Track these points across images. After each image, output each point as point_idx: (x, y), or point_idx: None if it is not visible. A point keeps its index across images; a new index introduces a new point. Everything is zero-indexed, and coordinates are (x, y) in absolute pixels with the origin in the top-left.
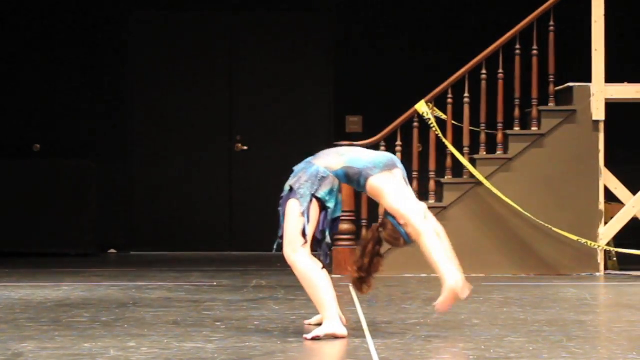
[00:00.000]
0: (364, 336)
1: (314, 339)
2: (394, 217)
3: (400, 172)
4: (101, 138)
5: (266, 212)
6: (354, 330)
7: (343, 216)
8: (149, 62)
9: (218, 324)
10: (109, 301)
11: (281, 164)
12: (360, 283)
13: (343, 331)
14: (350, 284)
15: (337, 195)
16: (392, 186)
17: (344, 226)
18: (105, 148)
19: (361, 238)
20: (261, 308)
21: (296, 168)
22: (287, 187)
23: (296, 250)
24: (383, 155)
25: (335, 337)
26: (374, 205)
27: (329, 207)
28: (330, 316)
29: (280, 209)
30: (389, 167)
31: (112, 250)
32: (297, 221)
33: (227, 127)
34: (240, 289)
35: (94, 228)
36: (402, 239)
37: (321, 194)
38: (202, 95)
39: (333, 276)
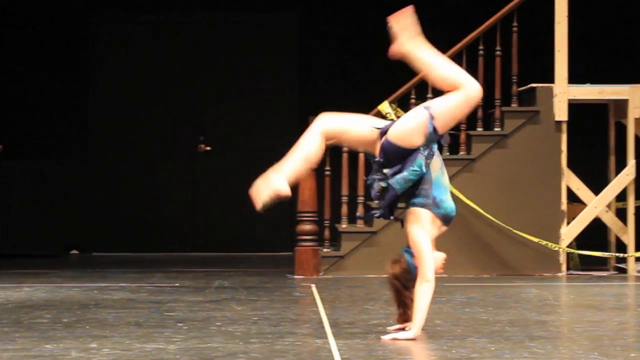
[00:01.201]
0: (326, 337)
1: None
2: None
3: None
4: (63, 138)
5: (229, 212)
6: (316, 330)
7: (305, 216)
8: (111, 62)
9: (180, 324)
10: (70, 302)
11: (244, 164)
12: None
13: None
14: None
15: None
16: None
17: (306, 227)
18: (67, 149)
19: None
20: (223, 309)
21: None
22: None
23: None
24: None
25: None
26: (336, 205)
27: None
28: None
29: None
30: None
31: (74, 251)
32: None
33: (191, 127)
34: (203, 290)
35: (55, 229)
36: (413, 281)
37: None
38: (165, 96)
39: (295, 277)
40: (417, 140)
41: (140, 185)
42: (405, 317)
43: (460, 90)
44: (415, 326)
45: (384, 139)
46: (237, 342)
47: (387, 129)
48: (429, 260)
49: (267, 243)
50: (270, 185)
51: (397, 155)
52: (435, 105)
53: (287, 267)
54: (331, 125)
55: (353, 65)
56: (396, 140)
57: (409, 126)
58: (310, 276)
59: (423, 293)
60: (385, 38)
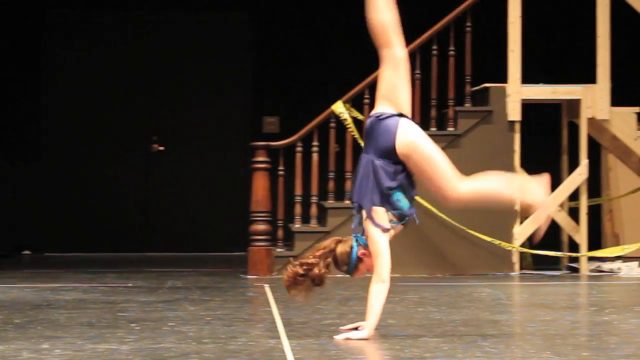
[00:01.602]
0: (279, 337)
1: None
2: (362, 240)
3: None
4: (16, 138)
5: (182, 212)
6: (269, 330)
7: (258, 216)
8: (66, 61)
9: (133, 325)
10: (22, 303)
11: (198, 164)
12: (295, 283)
13: None
14: (284, 280)
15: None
16: None
17: (260, 227)
18: (20, 148)
19: (320, 243)
20: (176, 309)
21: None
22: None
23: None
24: None
25: None
26: (290, 205)
27: None
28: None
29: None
30: None
31: (26, 252)
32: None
33: (144, 127)
34: (156, 290)
35: (7, 229)
36: (347, 266)
37: None
38: (118, 95)
39: (248, 277)
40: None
41: (93, 185)
42: (296, 283)
43: None
44: (369, 326)
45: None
46: (190, 343)
47: None
48: (386, 261)
49: (220, 243)
50: None
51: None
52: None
53: (240, 267)
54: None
55: (307, 66)
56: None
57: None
58: (263, 276)
59: (378, 293)
60: (339, 38)
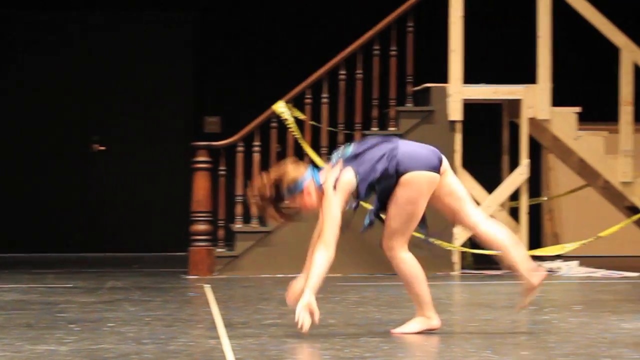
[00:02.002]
0: (219, 337)
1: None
2: (317, 180)
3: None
4: None
5: (123, 212)
6: (210, 331)
7: (199, 216)
8: (3, 61)
9: (72, 326)
10: None
11: (138, 164)
12: (261, 210)
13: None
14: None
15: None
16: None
17: (200, 227)
18: None
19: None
20: (116, 309)
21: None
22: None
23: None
24: None
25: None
26: (231, 205)
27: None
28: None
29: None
30: None
31: None
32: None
33: (84, 127)
34: (95, 291)
35: None
36: (288, 190)
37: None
38: (58, 95)
39: (189, 277)
40: None
41: (32, 185)
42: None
43: None
44: (307, 289)
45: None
46: (130, 343)
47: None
48: (334, 223)
49: (161, 243)
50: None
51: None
52: None
53: (181, 268)
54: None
55: (249, 65)
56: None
57: None
58: (204, 276)
59: (319, 259)
60: (281, 38)
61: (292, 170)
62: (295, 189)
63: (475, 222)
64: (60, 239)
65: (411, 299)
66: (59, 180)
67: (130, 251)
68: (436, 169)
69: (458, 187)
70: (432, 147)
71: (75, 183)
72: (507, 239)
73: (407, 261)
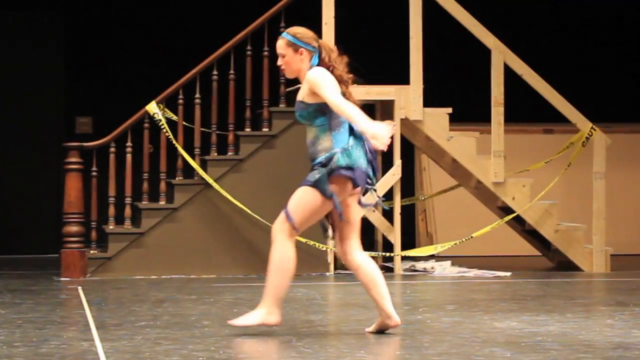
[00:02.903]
0: (92, 339)
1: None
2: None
3: None
4: None
5: None
6: (83, 333)
7: (71, 218)
8: None
9: None
10: None
11: (9, 165)
12: None
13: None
14: None
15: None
16: None
17: (73, 228)
18: None
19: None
20: None
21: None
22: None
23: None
24: None
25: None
26: (104, 205)
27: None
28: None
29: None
30: None
31: None
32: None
33: None
34: None
35: None
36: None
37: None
38: None
39: (62, 279)
40: None
41: None
42: None
43: None
44: (360, 120)
45: None
46: (1, 346)
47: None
48: (343, 102)
49: (32, 245)
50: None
51: None
52: None
53: (53, 270)
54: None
55: (120, 65)
56: None
57: None
58: (77, 278)
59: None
60: (154, 38)
61: (310, 36)
62: (297, 42)
63: (353, 249)
64: None
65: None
66: None
67: (1, 253)
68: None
69: (357, 214)
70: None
71: None
72: (377, 274)
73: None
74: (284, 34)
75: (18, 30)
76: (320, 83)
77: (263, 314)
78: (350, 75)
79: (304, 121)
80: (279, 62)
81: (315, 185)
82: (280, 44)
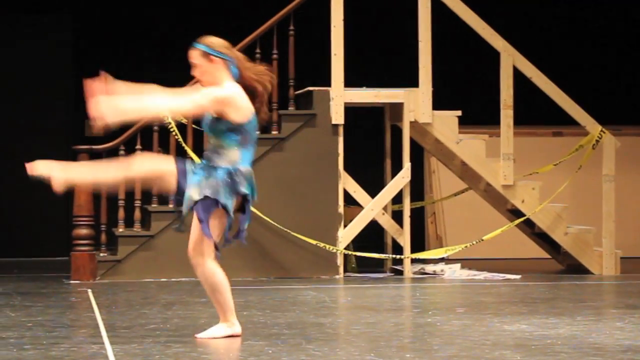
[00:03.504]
0: (102, 342)
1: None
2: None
3: None
4: None
5: (3, 217)
6: (93, 336)
7: (81, 220)
8: None
9: None
10: None
11: (19, 168)
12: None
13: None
14: None
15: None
16: None
17: (83, 231)
18: None
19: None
20: None
21: (195, 176)
22: (199, 196)
23: (206, 255)
24: None
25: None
26: (113, 208)
27: (250, 198)
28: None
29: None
30: None
31: None
32: (217, 230)
33: None
34: None
35: None
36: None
37: (243, 190)
38: None
39: (72, 282)
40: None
41: None
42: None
43: None
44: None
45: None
46: (11, 349)
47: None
48: (190, 106)
49: (42, 248)
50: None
51: None
52: None
53: (63, 273)
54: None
55: (130, 68)
56: None
57: None
58: (86, 281)
59: (159, 98)
60: (164, 39)
61: (224, 45)
62: (212, 52)
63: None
64: None
65: (215, 305)
66: None
67: (11, 256)
68: None
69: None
70: None
71: None
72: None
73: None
74: (196, 44)
75: (27, 32)
76: (203, 91)
77: (225, 326)
78: (268, 87)
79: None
80: (193, 72)
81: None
82: (194, 55)
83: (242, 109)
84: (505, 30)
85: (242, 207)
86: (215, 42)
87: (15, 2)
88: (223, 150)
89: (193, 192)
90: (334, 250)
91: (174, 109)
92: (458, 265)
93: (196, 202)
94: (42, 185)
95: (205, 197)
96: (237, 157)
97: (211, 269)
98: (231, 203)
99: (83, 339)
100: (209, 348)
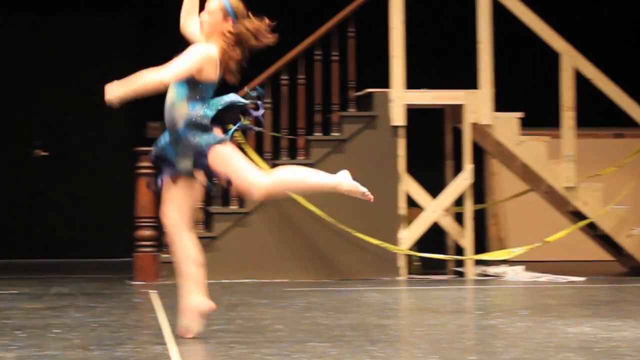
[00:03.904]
0: (165, 343)
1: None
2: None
3: None
4: None
5: (67, 218)
6: (156, 337)
7: (144, 222)
8: None
9: (17, 332)
10: None
11: (82, 169)
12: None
13: None
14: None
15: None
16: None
17: (145, 232)
18: None
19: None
20: (62, 316)
21: (170, 150)
22: (190, 163)
23: (255, 180)
24: None
25: None
26: None
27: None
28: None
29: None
30: None
31: None
32: (229, 160)
33: (26, 132)
34: (41, 297)
35: None
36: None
37: (207, 121)
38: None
39: (135, 283)
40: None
41: None
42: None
43: None
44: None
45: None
46: (76, 350)
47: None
48: (179, 70)
49: (106, 249)
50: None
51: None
52: None
53: (126, 273)
54: None
55: None
56: None
57: None
58: (150, 282)
59: (153, 75)
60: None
61: (244, 14)
62: (232, 15)
63: (180, 228)
64: (4, 245)
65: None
66: (2, 186)
67: (75, 257)
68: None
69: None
70: None
71: (18, 189)
72: (198, 256)
73: (276, 180)
74: None
75: (90, 34)
76: (191, 50)
77: (348, 174)
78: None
79: None
80: (203, 17)
81: None
82: (215, 5)
83: (214, 70)
84: (566, 31)
85: (232, 121)
86: (240, 8)
87: (80, 4)
88: (174, 109)
89: (183, 164)
90: (398, 251)
91: (171, 74)
92: (521, 267)
93: (194, 168)
94: (105, 186)
95: (194, 159)
96: (186, 110)
97: (273, 180)
98: (213, 137)
99: (147, 339)
100: (272, 349)
